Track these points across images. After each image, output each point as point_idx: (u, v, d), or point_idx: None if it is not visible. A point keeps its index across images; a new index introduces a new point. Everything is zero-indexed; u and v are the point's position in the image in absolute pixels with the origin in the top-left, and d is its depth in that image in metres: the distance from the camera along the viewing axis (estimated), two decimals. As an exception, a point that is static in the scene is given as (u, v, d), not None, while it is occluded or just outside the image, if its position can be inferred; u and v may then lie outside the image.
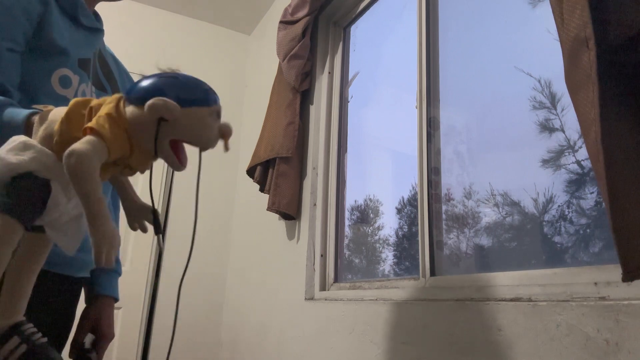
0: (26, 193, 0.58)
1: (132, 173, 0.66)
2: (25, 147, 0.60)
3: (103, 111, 0.59)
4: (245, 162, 2.55)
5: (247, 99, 3.14)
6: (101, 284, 1.06)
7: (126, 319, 2.52)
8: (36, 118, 0.65)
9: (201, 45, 3.14)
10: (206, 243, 2.83)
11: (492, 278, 1.13)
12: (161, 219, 2.45)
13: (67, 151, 0.55)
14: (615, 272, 0.85)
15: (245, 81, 3.22)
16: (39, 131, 0.63)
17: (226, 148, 0.65)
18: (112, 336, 1.05)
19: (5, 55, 0.82)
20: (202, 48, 3.13)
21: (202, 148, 0.63)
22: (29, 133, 0.66)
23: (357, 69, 2.10)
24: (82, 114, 0.61)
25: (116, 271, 1.11)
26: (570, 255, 1.04)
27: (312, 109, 2.16)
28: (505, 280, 1.10)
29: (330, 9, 2.19)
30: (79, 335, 1.01)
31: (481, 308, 1.06)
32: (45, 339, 0.66)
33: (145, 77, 0.63)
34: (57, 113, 0.63)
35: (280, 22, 2.20)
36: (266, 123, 2.27)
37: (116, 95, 0.63)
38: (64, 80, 0.89)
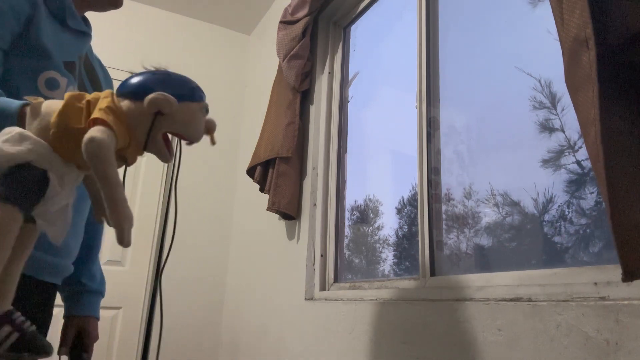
0: (26, 182, 0.60)
1: (121, 165, 0.68)
2: (21, 138, 0.61)
3: (103, 104, 0.62)
4: (245, 162, 2.55)
5: (247, 99, 3.13)
6: (84, 304, 1.09)
7: (126, 319, 2.51)
8: (28, 109, 0.66)
9: (201, 45, 3.13)
10: (206, 243, 2.83)
11: (492, 278, 1.13)
12: (160, 220, 2.45)
13: (86, 138, 0.57)
14: (615, 272, 0.85)
15: (245, 81, 3.22)
16: (33, 123, 0.64)
17: (212, 142, 0.70)
18: (97, 337, 1.09)
19: None
20: (202, 48, 3.13)
21: (192, 141, 0.69)
22: (21, 123, 0.67)
23: (357, 69, 2.10)
24: (77, 106, 0.63)
25: (101, 292, 1.13)
26: (570, 255, 1.04)
27: (312, 109, 2.16)
28: (505, 280, 1.10)
29: (330, 9, 2.19)
30: (65, 333, 1.06)
31: (481, 308, 1.06)
32: (34, 327, 0.66)
33: (136, 74, 0.67)
34: (51, 106, 0.65)
35: (280, 22, 2.20)
36: (266, 123, 2.27)
37: (108, 91, 0.66)
38: (50, 82, 0.89)
